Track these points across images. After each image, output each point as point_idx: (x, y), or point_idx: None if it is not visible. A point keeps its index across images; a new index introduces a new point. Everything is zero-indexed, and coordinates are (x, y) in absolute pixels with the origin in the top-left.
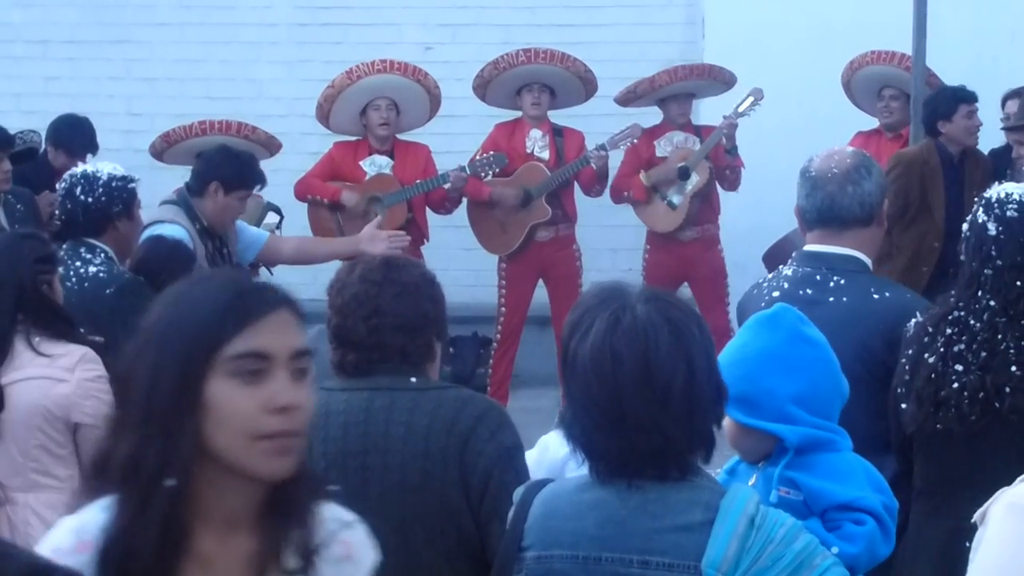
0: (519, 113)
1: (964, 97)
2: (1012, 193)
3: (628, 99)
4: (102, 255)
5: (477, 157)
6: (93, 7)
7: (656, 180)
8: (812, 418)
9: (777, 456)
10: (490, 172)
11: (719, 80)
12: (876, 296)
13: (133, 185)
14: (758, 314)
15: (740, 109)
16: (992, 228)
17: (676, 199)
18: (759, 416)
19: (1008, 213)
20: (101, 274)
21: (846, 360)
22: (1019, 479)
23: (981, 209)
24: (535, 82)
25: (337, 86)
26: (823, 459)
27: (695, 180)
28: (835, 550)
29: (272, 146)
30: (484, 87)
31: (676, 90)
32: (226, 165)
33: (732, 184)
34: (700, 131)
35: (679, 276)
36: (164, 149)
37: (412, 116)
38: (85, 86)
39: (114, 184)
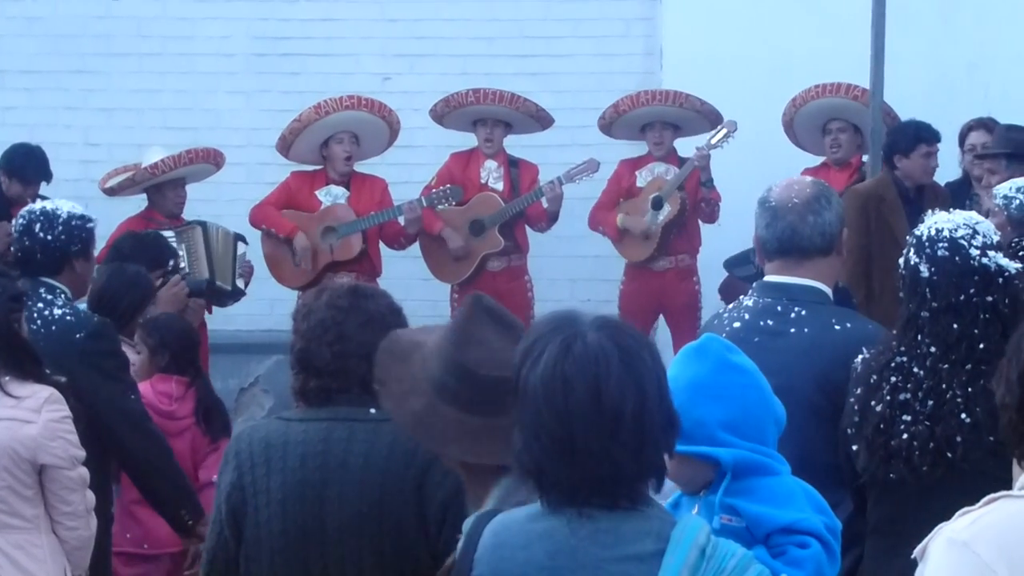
0: (476, 143)
1: (926, 137)
2: (942, 229)
3: (603, 126)
4: (62, 296)
5: (433, 189)
6: (50, 37)
7: (631, 224)
8: (745, 443)
9: (716, 483)
10: (446, 204)
11: (688, 108)
12: (837, 327)
13: (91, 225)
14: (687, 345)
15: (712, 141)
16: (924, 269)
17: (649, 229)
18: (693, 443)
19: (939, 252)
20: (68, 317)
21: (808, 391)
22: (958, 513)
23: (912, 249)
24: (488, 117)
25: (304, 120)
26: (761, 483)
27: (667, 210)
28: None
29: (218, 159)
30: (439, 120)
31: (646, 116)
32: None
33: (709, 217)
34: (683, 163)
35: (653, 306)
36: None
37: (370, 146)
38: (42, 116)
39: (73, 223)
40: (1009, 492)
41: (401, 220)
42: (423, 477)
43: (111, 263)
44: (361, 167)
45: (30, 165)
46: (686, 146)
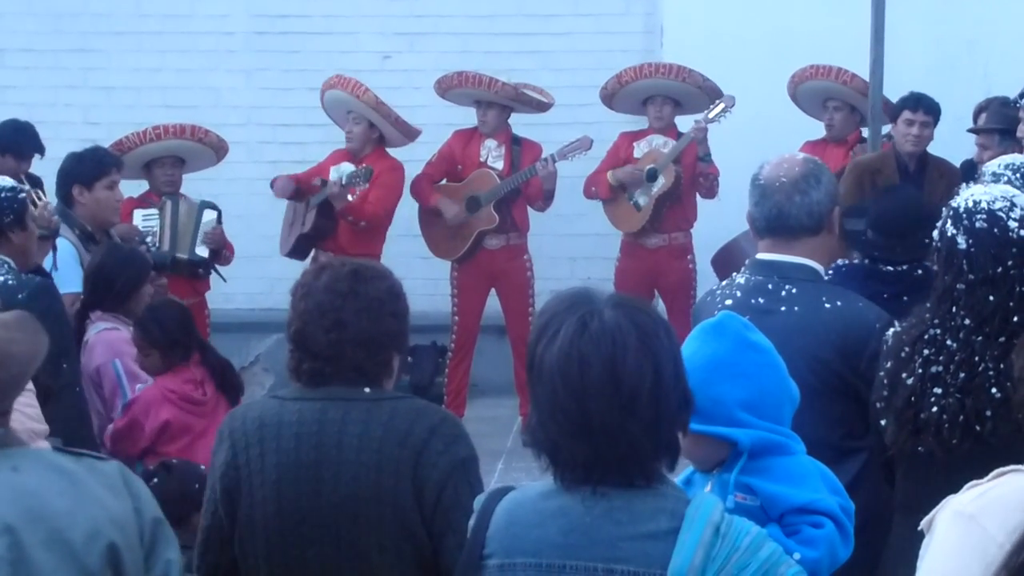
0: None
1: (907, 104)
2: (980, 201)
3: (605, 97)
4: (5, 266)
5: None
6: (50, 16)
7: (622, 179)
8: (763, 422)
9: (731, 461)
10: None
11: (690, 83)
12: (828, 305)
13: (23, 195)
14: (703, 323)
15: (710, 116)
16: (962, 241)
17: (642, 200)
18: (710, 423)
19: (977, 224)
20: (10, 281)
21: (798, 369)
22: (967, 486)
23: (950, 221)
24: (480, 99)
25: (322, 88)
26: (777, 463)
27: (660, 183)
28: (797, 556)
29: (220, 149)
30: (443, 96)
31: (648, 89)
32: (75, 166)
33: (707, 192)
34: (681, 137)
35: (648, 283)
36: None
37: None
38: (42, 95)
39: (3, 195)
40: (1018, 467)
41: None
42: (418, 457)
43: (108, 243)
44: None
45: (24, 140)
46: (687, 123)
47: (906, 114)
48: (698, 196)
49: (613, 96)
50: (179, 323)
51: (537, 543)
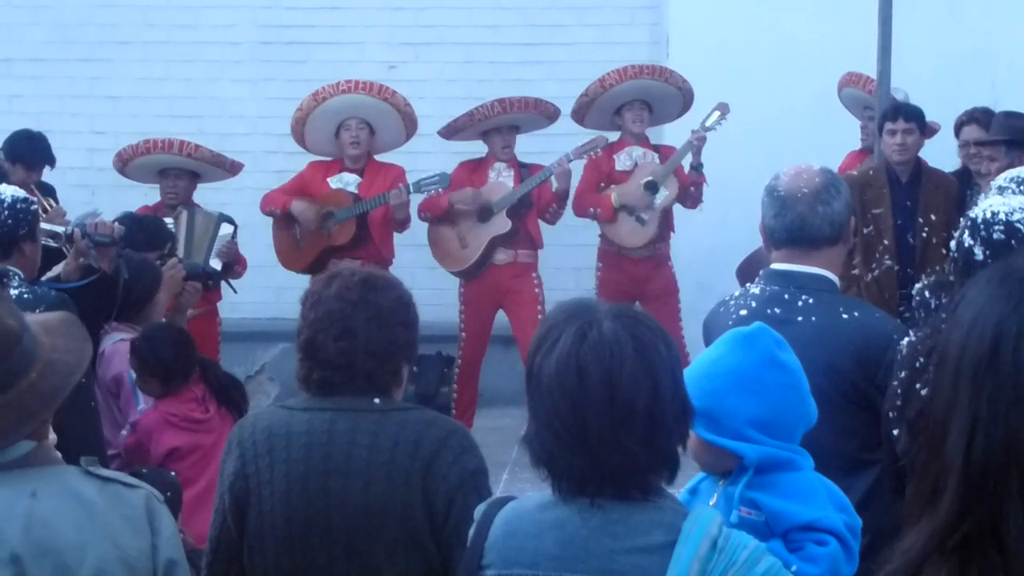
0: (484, 151)
1: (890, 114)
2: (998, 212)
3: (581, 107)
4: (17, 278)
5: (421, 178)
6: (57, 26)
7: (625, 200)
8: (771, 440)
9: (737, 475)
10: (433, 191)
11: (663, 79)
12: (845, 316)
13: (35, 207)
14: (737, 330)
15: (707, 123)
16: (979, 252)
17: (646, 214)
18: (719, 433)
19: (995, 236)
20: (26, 295)
21: (815, 379)
22: None
23: (967, 232)
24: (508, 125)
25: (305, 108)
26: (784, 478)
27: (664, 194)
28: (794, 568)
29: (224, 164)
30: (448, 138)
31: (626, 92)
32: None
33: (695, 201)
34: (659, 149)
35: (630, 294)
36: (120, 167)
37: (388, 136)
38: (49, 104)
39: (19, 206)
40: None
41: (392, 204)
42: (428, 468)
43: (121, 253)
44: (380, 158)
45: (35, 150)
46: (674, 133)
47: (887, 125)
48: (683, 207)
49: (592, 103)
50: (176, 349)
51: (534, 554)
